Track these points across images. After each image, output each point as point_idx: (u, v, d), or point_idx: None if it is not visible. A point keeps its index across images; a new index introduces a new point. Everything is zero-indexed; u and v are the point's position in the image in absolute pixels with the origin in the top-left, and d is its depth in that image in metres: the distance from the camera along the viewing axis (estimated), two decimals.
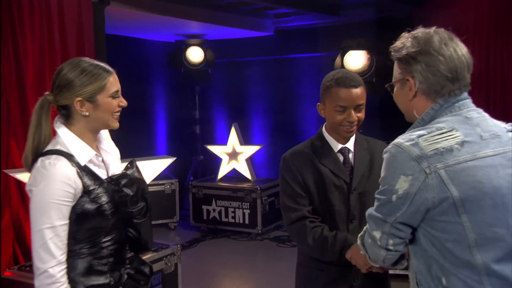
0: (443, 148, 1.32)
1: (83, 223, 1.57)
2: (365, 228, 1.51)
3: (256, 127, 6.65)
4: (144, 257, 2.06)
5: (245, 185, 5.58)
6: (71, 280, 1.58)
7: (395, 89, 1.54)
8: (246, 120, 6.54)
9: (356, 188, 1.94)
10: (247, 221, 5.49)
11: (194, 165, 6.58)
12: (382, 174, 1.42)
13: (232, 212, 5.54)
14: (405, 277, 1.95)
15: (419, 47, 1.42)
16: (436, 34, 1.44)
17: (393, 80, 1.54)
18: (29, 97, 3.19)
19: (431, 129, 1.38)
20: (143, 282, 1.77)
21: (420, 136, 1.35)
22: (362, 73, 4.48)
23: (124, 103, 1.67)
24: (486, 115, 1.44)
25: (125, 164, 1.79)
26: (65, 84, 1.59)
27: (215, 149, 6.02)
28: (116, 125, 1.67)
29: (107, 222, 1.62)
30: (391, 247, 1.41)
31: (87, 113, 1.61)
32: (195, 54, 6.00)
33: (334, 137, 2.00)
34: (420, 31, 1.47)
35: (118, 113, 1.68)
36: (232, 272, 4.38)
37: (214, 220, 5.59)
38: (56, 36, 3.37)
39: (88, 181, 1.58)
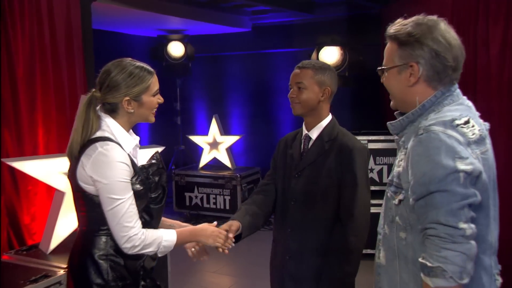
0: (475, 138, 1.33)
1: None
2: (423, 256, 1.31)
3: (235, 118, 6.86)
4: None
5: (225, 173, 5.84)
6: (102, 255, 1.75)
7: (387, 73, 1.49)
8: (225, 112, 6.75)
9: (301, 173, 2.06)
10: (227, 207, 5.74)
11: (175, 154, 6.77)
12: (425, 164, 1.30)
13: (213, 198, 5.79)
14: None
15: (427, 32, 1.37)
16: (441, 21, 1.40)
17: (387, 64, 1.48)
18: (20, 90, 3.23)
19: (452, 116, 1.34)
20: (155, 260, 1.94)
21: (453, 121, 1.32)
22: (336, 68, 4.67)
23: (161, 100, 1.85)
24: None
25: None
26: (114, 85, 1.75)
27: (196, 139, 6.25)
28: (153, 119, 1.86)
29: (141, 203, 1.78)
30: (475, 231, 1.28)
31: (132, 110, 1.78)
32: (176, 49, 6.14)
33: (304, 124, 2.15)
34: (422, 17, 1.42)
35: (155, 109, 1.86)
36: (214, 254, 4.51)
37: (196, 206, 5.83)
38: (46, 31, 3.40)
39: (132, 167, 1.75)
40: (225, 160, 6.10)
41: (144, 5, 4.81)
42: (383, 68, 1.50)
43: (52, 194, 3.04)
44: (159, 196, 1.86)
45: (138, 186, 1.76)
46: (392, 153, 4.37)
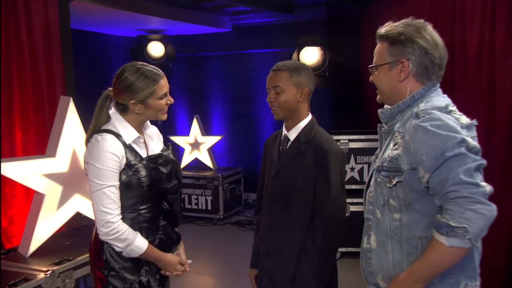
0: (466, 123, 1.48)
1: (126, 192, 1.89)
2: (441, 217, 1.37)
3: (216, 118, 6.85)
4: None
5: (207, 173, 5.85)
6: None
7: (377, 70, 1.59)
8: (206, 112, 6.74)
9: (278, 174, 2.08)
10: (209, 207, 5.75)
11: None
12: (434, 139, 1.38)
13: (195, 199, 5.78)
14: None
15: (417, 31, 1.49)
16: (428, 24, 1.54)
17: (378, 62, 1.58)
18: None
19: (444, 102, 1.48)
20: (173, 247, 2.08)
21: (447, 107, 1.46)
22: (316, 68, 4.73)
23: (171, 101, 1.98)
24: None
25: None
26: (123, 88, 1.90)
27: (177, 139, 6.22)
28: (163, 117, 1.99)
29: (144, 192, 1.93)
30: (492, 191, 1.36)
31: (139, 111, 1.93)
32: (156, 49, 6.10)
33: (284, 124, 2.14)
34: (411, 20, 1.54)
35: (166, 109, 1.98)
36: (197, 255, 4.50)
37: None
38: (23, 31, 3.34)
39: (130, 157, 1.90)
40: (207, 161, 6.09)
41: (123, 4, 4.76)
42: (375, 66, 1.59)
43: (30, 197, 2.99)
44: (175, 186, 2.01)
45: (140, 174, 1.90)
46: (373, 152, 4.40)
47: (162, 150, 2.05)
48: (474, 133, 1.51)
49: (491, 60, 3.17)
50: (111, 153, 1.84)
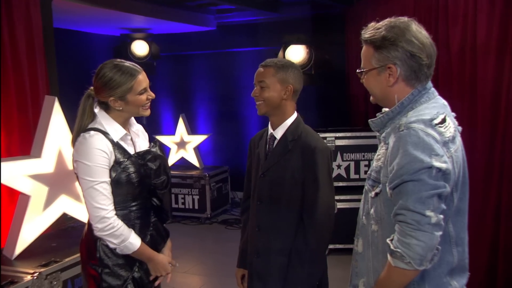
0: (450, 137, 1.42)
1: (116, 189, 1.90)
2: (392, 236, 1.41)
3: (201, 117, 6.84)
4: None
5: (193, 172, 5.82)
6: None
7: (366, 75, 1.55)
8: (191, 111, 6.72)
9: (265, 173, 2.08)
10: (196, 207, 5.74)
11: None
12: (403, 157, 1.36)
13: (182, 198, 5.76)
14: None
15: (400, 35, 1.45)
16: (412, 22, 1.48)
17: (365, 67, 1.55)
18: None
19: (430, 114, 1.43)
20: (161, 244, 2.09)
21: (431, 121, 1.41)
22: (302, 66, 4.74)
23: (152, 96, 1.98)
24: None
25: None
26: (101, 86, 1.90)
27: (163, 139, 6.18)
28: (146, 113, 1.99)
29: (134, 189, 1.95)
30: (442, 223, 1.36)
31: (120, 108, 1.94)
32: (140, 48, 6.06)
33: (269, 123, 2.13)
34: (394, 19, 1.50)
35: (148, 104, 1.98)
36: (184, 255, 4.54)
37: None
38: (4, 30, 3.29)
39: (118, 154, 1.91)
40: (193, 160, 6.07)
41: (106, 3, 4.71)
42: (363, 71, 1.57)
43: (15, 198, 2.95)
44: (164, 182, 2.04)
45: (129, 171, 1.91)
46: (359, 149, 4.47)
47: (150, 147, 2.07)
48: (456, 145, 1.46)
49: (473, 58, 3.21)
50: (99, 149, 1.85)
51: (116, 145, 1.92)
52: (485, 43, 3.12)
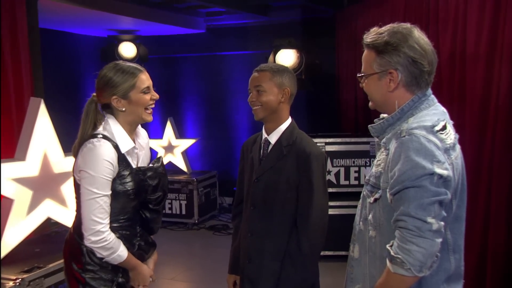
0: (451, 144, 1.44)
1: (112, 200, 1.86)
2: (392, 242, 1.40)
3: (190, 121, 6.79)
4: None
5: (181, 177, 5.76)
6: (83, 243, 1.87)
7: (366, 79, 1.55)
8: (179, 115, 6.66)
9: (259, 178, 2.06)
10: (184, 212, 5.67)
11: None
12: (405, 163, 1.36)
13: (169, 203, 5.68)
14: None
15: (403, 40, 1.45)
16: (414, 28, 1.49)
17: (366, 71, 1.54)
18: None
19: (432, 121, 1.43)
20: (148, 253, 2.09)
21: (433, 127, 1.41)
22: (292, 70, 4.77)
23: (155, 96, 1.95)
24: None
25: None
26: (103, 86, 1.87)
27: (151, 142, 6.05)
28: (149, 118, 1.94)
29: (129, 202, 1.92)
30: (443, 230, 1.36)
31: (123, 109, 1.89)
32: (127, 50, 5.98)
33: (264, 127, 2.12)
34: (397, 25, 1.50)
35: (152, 106, 1.95)
36: (171, 261, 4.47)
37: None
38: None
39: (121, 167, 1.88)
40: (181, 164, 6.00)
41: (93, 3, 4.65)
42: (364, 75, 1.56)
43: None
44: (159, 198, 2.02)
45: (128, 185, 1.88)
46: (349, 155, 4.45)
47: (152, 163, 2.04)
48: (456, 152, 1.47)
49: (462, 64, 3.23)
50: (107, 160, 1.82)
51: (121, 157, 1.89)
52: (473, 48, 3.14)
